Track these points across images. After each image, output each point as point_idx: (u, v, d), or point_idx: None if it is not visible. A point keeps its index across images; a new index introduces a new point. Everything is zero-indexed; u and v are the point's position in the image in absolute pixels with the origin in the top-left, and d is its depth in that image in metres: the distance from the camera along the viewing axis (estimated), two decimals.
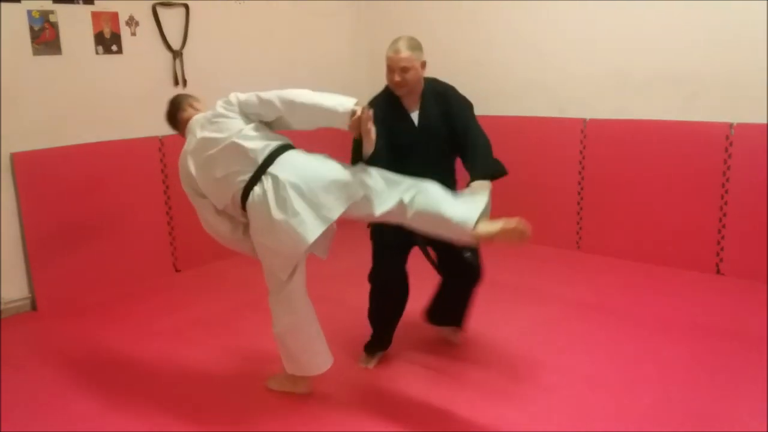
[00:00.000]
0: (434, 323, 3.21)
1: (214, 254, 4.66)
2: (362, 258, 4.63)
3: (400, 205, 2.40)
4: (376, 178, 2.45)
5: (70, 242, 3.92)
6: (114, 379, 2.98)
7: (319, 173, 2.43)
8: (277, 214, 2.37)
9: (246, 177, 2.45)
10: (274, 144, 2.51)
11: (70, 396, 2.84)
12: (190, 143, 2.61)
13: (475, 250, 2.88)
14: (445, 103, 2.85)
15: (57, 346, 3.37)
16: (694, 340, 3.17)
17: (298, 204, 2.36)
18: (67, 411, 2.71)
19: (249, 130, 2.51)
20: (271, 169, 2.43)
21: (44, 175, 3.83)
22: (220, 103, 2.62)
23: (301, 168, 2.43)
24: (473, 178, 2.68)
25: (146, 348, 3.29)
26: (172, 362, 3.12)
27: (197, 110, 2.74)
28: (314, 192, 2.38)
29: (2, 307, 3.77)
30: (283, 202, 2.37)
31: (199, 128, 2.58)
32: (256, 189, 2.43)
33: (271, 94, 2.55)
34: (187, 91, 4.49)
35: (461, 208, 2.35)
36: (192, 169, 2.55)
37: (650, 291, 3.83)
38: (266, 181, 2.41)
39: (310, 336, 2.68)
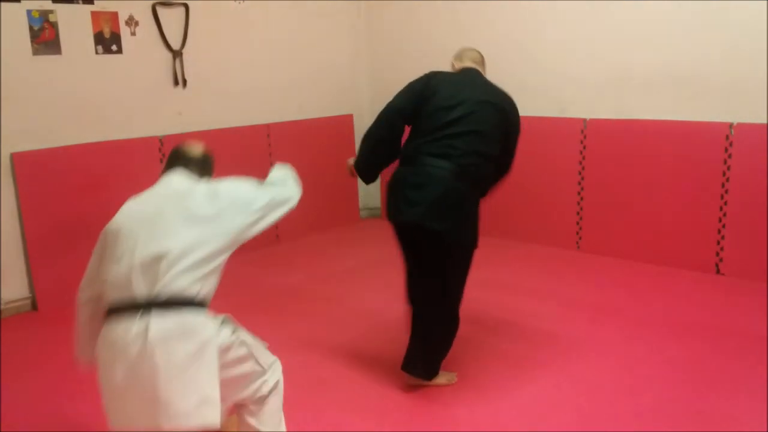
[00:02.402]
0: None
1: None
2: (362, 258, 4.65)
3: None
4: None
5: (71, 242, 3.91)
6: None
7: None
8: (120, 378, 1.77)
9: (123, 295, 1.80)
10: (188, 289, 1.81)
11: (70, 396, 2.84)
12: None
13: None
14: None
15: (57, 346, 3.36)
16: (693, 339, 3.16)
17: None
18: (67, 411, 2.71)
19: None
20: (157, 313, 1.75)
21: (44, 175, 3.82)
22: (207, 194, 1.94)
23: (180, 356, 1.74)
24: None
25: None
26: None
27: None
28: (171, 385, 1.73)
29: (3, 307, 3.77)
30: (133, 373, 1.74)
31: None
32: (123, 325, 1.76)
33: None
34: (187, 90, 4.50)
35: None
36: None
37: (650, 291, 3.82)
38: (138, 324, 1.74)
39: None
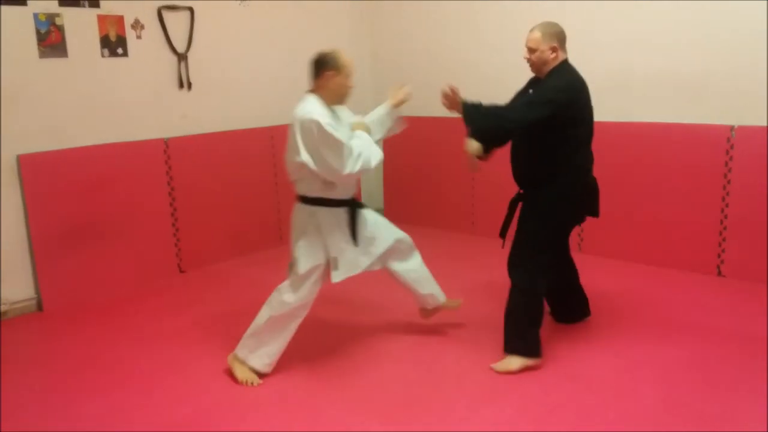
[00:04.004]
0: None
1: (218, 255, 4.70)
2: None
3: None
4: None
5: (76, 243, 3.94)
6: (118, 380, 3.00)
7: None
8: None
9: None
10: None
11: (74, 397, 2.86)
12: None
13: None
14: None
15: (62, 346, 3.39)
16: (694, 341, 3.17)
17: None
18: (71, 412, 2.73)
19: None
20: None
21: (50, 177, 3.85)
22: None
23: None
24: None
25: (151, 349, 3.30)
26: (176, 364, 3.14)
27: None
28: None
29: (9, 307, 3.80)
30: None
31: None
32: None
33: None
34: (192, 93, 4.53)
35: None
36: None
37: (651, 293, 3.83)
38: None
39: None
